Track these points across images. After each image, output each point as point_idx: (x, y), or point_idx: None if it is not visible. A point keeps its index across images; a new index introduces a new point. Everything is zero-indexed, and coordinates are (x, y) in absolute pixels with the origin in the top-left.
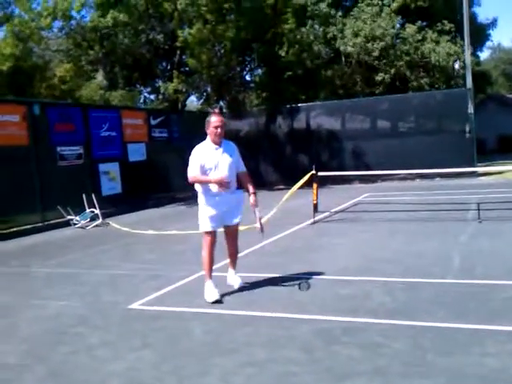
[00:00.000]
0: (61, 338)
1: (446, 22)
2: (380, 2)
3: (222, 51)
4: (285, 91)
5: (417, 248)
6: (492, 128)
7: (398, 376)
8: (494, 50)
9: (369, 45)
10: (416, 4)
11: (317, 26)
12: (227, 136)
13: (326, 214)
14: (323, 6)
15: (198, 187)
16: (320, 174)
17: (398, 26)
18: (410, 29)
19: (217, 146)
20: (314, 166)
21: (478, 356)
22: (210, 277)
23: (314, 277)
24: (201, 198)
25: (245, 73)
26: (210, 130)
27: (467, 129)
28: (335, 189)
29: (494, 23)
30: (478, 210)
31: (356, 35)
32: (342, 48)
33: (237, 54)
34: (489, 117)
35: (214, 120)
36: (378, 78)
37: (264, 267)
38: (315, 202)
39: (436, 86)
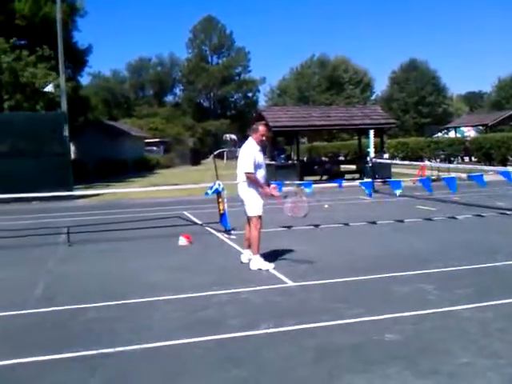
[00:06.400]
0: None
1: (46, 47)
2: None
3: None
4: None
5: None
6: (94, 152)
7: None
8: (95, 77)
9: None
10: (14, 22)
11: None
12: None
13: None
14: None
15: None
16: None
17: None
18: (1, 45)
19: (260, 148)
20: None
21: None
22: (259, 252)
23: None
24: (251, 189)
25: None
26: (257, 136)
27: (63, 151)
28: None
29: (90, 49)
30: (68, 233)
31: None
32: None
33: None
34: (90, 141)
35: (262, 129)
36: None
37: None
38: None
39: (37, 107)
